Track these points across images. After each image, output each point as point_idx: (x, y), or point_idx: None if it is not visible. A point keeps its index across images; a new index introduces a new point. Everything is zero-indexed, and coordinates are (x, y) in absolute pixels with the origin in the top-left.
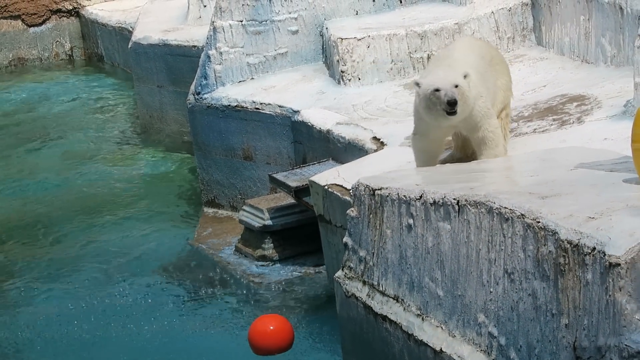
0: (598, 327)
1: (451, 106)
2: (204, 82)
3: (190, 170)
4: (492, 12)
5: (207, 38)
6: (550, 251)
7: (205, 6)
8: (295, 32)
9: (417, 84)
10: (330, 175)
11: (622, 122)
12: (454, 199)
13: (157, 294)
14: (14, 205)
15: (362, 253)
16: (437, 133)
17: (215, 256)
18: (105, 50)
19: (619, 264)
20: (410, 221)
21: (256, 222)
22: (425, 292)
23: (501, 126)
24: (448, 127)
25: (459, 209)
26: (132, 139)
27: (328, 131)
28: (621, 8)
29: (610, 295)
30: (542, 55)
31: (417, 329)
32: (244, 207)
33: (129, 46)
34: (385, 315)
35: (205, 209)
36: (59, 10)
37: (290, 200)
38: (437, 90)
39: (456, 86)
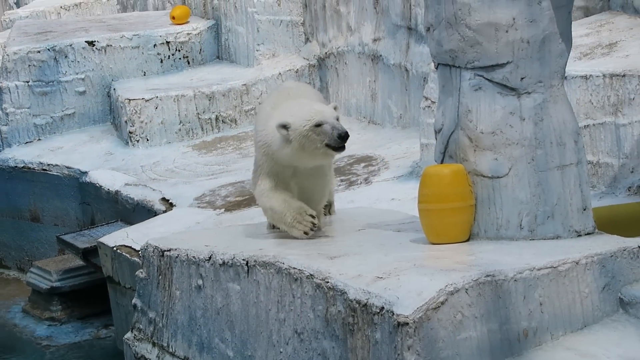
0: None
1: (343, 140)
2: None
3: None
4: (280, 73)
5: None
6: (339, 311)
7: None
8: (83, 93)
9: (284, 126)
10: (119, 237)
11: (409, 182)
12: (243, 259)
13: None
14: None
15: (151, 314)
16: (284, 176)
17: (2, 319)
18: None
19: (407, 323)
20: (200, 282)
21: (44, 284)
22: (216, 353)
23: None
24: (296, 170)
25: (248, 270)
26: None
27: (117, 192)
28: (407, 70)
29: (399, 354)
30: None
31: None
32: (32, 269)
33: None
34: None
35: None
36: None
37: (78, 261)
38: (319, 125)
39: (337, 118)
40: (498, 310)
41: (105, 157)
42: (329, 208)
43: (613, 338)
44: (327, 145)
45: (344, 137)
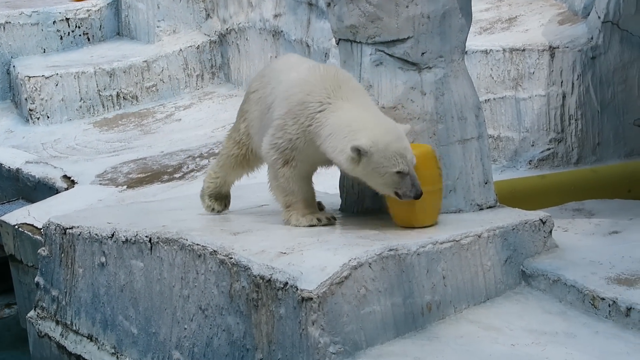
0: None
1: (416, 198)
2: None
3: None
4: (181, 49)
5: None
6: (243, 286)
7: None
8: None
9: (359, 151)
10: (20, 215)
11: None
12: (146, 236)
13: None
14: None
15: (54, 292)
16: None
17: None
18: None
19: (312, 298)
20: (103, 259)
21: None
22: (120, 330)
23: None
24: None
25: (151, 247)
26: None
27: (17, 170)
28: (308, 45)
29: (303, 329)
30: (231, 92)
31: None
32: None
33: None
34: (80, 355)
35: None
36: None
37: None
38: (400, 172)
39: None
40: (401, 284)
41: (6, 134)
42: None
43: (515, 310)
44: (396, 193)
45: (418, 197)
